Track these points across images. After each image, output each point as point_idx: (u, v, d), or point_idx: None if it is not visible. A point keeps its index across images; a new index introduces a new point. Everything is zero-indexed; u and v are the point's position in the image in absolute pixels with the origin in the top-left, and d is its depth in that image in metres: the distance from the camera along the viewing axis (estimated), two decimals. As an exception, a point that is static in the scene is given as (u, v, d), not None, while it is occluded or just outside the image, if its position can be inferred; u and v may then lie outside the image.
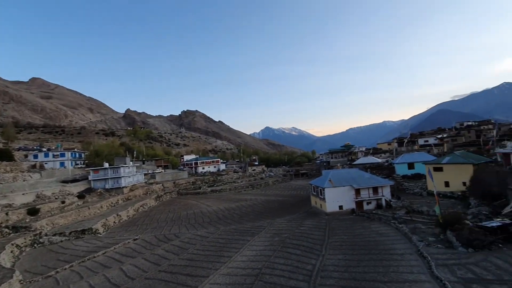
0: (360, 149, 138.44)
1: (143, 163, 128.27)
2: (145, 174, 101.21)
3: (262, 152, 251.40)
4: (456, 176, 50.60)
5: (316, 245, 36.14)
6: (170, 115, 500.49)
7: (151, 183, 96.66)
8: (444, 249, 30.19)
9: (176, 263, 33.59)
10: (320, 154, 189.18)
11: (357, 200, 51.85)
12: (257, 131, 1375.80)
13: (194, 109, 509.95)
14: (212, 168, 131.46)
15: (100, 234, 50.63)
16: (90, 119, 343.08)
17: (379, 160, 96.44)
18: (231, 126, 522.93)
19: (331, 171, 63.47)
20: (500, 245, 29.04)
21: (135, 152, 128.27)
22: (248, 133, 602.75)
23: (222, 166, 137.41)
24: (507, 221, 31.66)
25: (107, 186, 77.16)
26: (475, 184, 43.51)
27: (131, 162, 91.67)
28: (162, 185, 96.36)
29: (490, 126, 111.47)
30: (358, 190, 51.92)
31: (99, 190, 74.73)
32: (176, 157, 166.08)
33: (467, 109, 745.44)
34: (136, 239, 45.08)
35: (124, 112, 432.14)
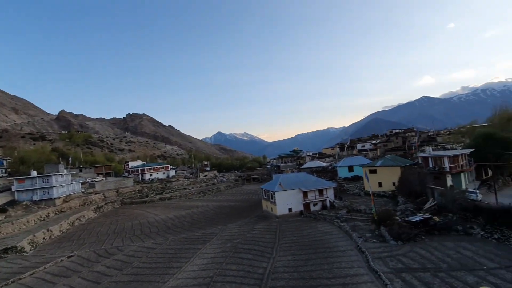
0: (308, 154, 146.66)
1: (80, 171, 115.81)
2: (82, 183, 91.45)
3: (214, 158, 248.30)
4: (388, 177, 57.00)
5: (267, 248, 37.01)
6: (114, 118, 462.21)
7: (90, 193, 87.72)
8: (379, 243, 33.72)
9: (119, 279, 31.04)
10: (271, 159, 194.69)
11: (305, 202, 54.67)
12: (209, 136, 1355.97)
13: (141, 112, 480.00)
14: (160, 175, 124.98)
15: (27, 252, 44.29)
16: (15, 121, 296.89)
17: (324, 164, 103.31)
18: (181, 131, 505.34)
19: (281, 175, 65.86)
20: (423, 236, 33.59)
21: (70, 159, 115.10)
22: (200, 138, 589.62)
23: (172, 173, 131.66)
24: (427, 215, 36.85)
25: (35, 198, 67.65)
26: (402, 184, 49.63)
27: (65, 170, 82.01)
28: (103, 194, 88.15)
29: (413, 134, 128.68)
30: (306, 192, 54.84)
31: (25, 203, 65.07)
32: (120, 163, 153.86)
33: (395, 118, 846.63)
34: (71, 256, 40.40)
35: (57, 113, 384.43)
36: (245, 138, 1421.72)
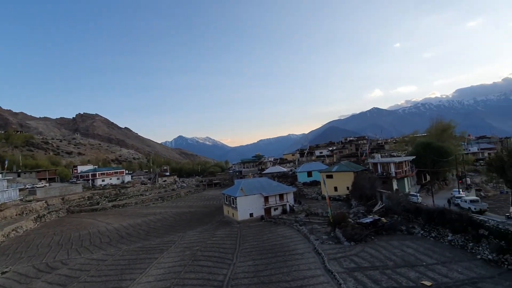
0: (269, 159, 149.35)
1: (19, 176, 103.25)
2: (20, 190, 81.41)
3: (174, 162, 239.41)
4: (342, 182, 60.60)
5: (227, 254, 36.67)
6: (61, 118, 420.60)
7: (30, 201, 78.44)
8: (334, 245, 35.56)
9: (63, 296, 28.15)
10: (233, 164, 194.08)
11: (266, 207, 55.46)
12: (170, 140, 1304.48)
13: (94, 113, 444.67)
14: (114, 180, 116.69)
15: None
16: None
17: (285, 169, 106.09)
18: (139, 134, 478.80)
19: (243, 181, 66.05)
20: (373, 237, 36.25)
21: (6, 162, 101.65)
22: (159, 142, 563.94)
23: (128, 178, 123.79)
24: (377, 217, 39.91)
25: (-42, 208, 58.40)
26: (355, 188, 53.18)
27: (0, 175, 72.35)
28: (46, 202, 79.40)
29: (365, 142, 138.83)
30: (267, 197, 55.72)
31: None
32: (67, 168, 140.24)
33: (349, 127, 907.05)
34: (5, 271, 35.63)
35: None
36: (208, 143, 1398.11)
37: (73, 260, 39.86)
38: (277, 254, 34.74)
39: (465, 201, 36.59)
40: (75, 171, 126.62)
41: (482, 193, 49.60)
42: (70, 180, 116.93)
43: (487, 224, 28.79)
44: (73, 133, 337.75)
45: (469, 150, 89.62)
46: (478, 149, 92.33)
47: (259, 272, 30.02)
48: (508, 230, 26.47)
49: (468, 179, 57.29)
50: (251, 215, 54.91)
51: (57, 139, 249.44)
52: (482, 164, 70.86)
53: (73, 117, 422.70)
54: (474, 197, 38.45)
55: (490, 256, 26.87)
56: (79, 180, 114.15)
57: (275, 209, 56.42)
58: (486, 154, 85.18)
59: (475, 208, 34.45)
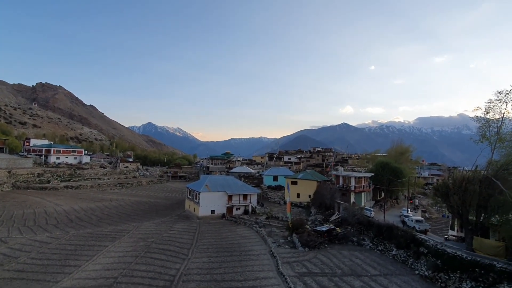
0: (238, 159, 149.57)
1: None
2: (-42, 157, 72.95)
3: (139, 149, 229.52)
4: (306, 190, 62.67)
5: (183, 249, 36.12)
6: (19, 84, 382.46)
7: (-32, 170, 70.65)
8: (289, 249, 36.65)
9: (-4, 277, 25.76)
10: (201, 159, 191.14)
11: (228, 205, 55.51)
12: (138, 125, 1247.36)
13: (57, 84, 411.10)
14: (71, 159, 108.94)
15: None
16: None
17: (252, 171, 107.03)
18: (105, 114, 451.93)
19: (209, 176, 65.48)
20: (326, 245, 37.98)
21: None
22: (127, 126, 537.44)
23: (86, 159, 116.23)
24: (332, 226, 41.88)
25: None
26: (316, 197, 55.34)
27: None
28: (-13, 174, 72.07)
29: (331, 154, 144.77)
30: (231, 196, 55.82)
31: None
32: (18, 139, 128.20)
33: (319, 137, 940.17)
34: None
35: None
36: (178, 134, 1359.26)
37: (13, 239, 36.62)
38: (233, 253, 34.97)
39: (412, 220, 39.88)
40: (27, 144, 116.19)
41: (427, 215, 54.37)
42: (20, 153, 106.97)
43: (427, 243, 31.59)
44: (31, 102, 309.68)
45: (421, 174, 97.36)
46: (428, 174, 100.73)
47: (213, 270, 30.02)
48: (445, 250, 29.27)
49: (417, 200, 62.36)
50: (212, 212, 54.62)
51: (11, 107, 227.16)
52: (430, 188, 77.50)
53: (32, 85, 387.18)
54: (419, 217, 42.04)
55: (426, 273, 29.47)
56: (31, 154, 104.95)
57: (237, 209, 56.67)
58: (435, 180, 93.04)
59: (419, 228, 37.66)
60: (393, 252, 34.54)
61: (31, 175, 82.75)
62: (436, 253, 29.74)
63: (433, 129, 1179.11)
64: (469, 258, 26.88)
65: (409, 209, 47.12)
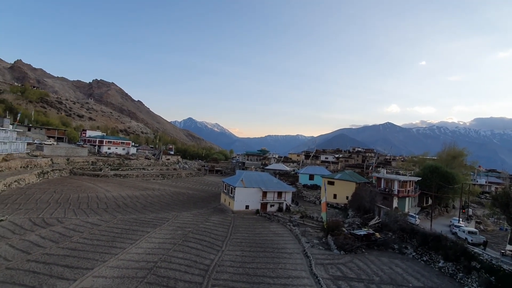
0: (274, 156, 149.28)
1: (29, 130, 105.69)
2: (28, 144, 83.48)
3: (180, 143, 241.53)
4: (343, 191, 60.27)
5: (218, 241, 37.09)
6: (78, 80, 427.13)
7: (36, 156, 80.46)
8: (324, 251, 35.58)
9: (53, 253, 28.94)
10: (237, 154, 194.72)
11: (262, 201, 55.70)
12: (179, 120, 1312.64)
13: (110, 81, 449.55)
14: (120, 150, 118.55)
15: None
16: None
17: (288, 168, 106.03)
18: (151, 109, 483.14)
19: (245, 172, 66.29)
20: (364, 250, 36.14)
21: (19, 115, 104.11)
22: (169, 120, 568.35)
23: (133, 150, 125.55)
24: (371, 231, 39.69)
25: (-32, 150, 60.27)
26: (354, 199, 52.82)
27: (11, 126, 74.16)
28: (51, 160, 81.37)
29: (372, 155, 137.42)
30: (266, 192, 55.91)
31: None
32: (76, 130, 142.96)
33: (359, 137, 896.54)
34: (2, 220, 36.77)
35: (12, 62, 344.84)
36: (216, 129, 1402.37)
37: (68, 220, 40.90)
38: (266, 249, 34.99)
39: (463, 231, 36.03)
40: (84, 135, 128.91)
41: (481, 226, 48.73)
42: (78, 143, 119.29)
43: (480, 257, 28.36)
44: (87, 97, 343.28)
45: (477, 181, 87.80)
46: (486, 182, 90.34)
47: (246, 264, 30.33)
48: (501, 267, 26.04)
49: (470, 209, 56.28)
50: (247, 207, 55.27)
51: (71, 101, 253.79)
52: (487, 197, 69.38)
53: (89, 82, 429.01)
54: (473, 229, 37.81)
55: (478, 290, 26.56)
56: (86, 144, 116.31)
57: (271, 206, 56.62)
58: (493, 188, 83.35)
59: (471, 240, 33.91)
60: (440, 264, 31.63)
61: (86, 163, 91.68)
62: (491, 269, 26.62)
63: (493, 132, 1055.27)
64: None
65: (460, 219, 42.66)
